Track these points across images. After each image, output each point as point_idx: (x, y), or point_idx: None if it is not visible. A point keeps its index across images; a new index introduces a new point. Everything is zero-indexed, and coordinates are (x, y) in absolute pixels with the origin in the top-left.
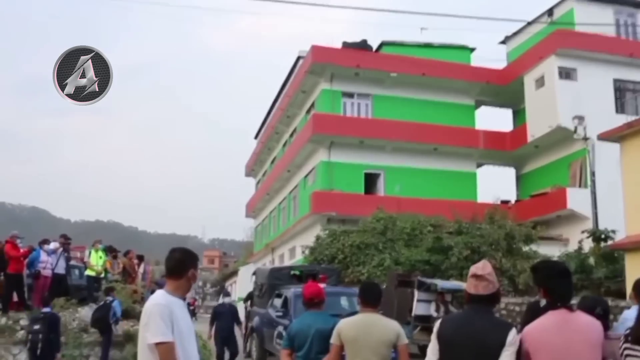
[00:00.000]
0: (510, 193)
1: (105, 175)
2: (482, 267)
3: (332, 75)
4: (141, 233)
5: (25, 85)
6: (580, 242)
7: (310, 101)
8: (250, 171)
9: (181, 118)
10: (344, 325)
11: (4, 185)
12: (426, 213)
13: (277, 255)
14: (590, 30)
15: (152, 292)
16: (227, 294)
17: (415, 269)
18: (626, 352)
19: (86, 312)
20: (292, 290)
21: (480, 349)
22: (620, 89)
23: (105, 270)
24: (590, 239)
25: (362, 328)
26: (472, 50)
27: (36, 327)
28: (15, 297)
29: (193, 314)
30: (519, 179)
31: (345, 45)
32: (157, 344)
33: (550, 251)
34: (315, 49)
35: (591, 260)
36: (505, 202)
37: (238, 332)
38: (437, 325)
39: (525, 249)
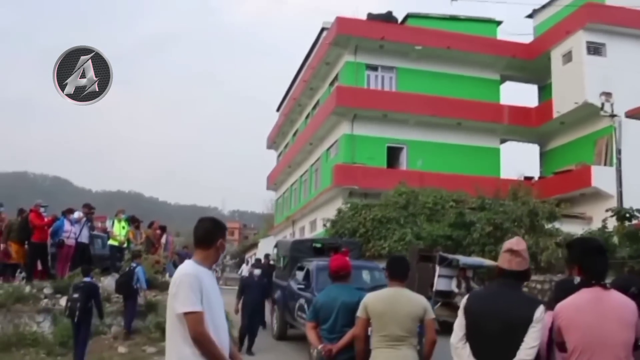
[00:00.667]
0: (533, 170)
1: (128, 146)
2: (517, 242)
3: (356, 47)
4: (161, 204)
5: (49, 54)
6: (604, 220)
7: (333, 73)
8: (272, 143)
9: (203, 90)
10: (371, 299)
11: (27, 154)
12: (448, 188)
13: (297, 227)
14: (620, 4)
15: (173, 263)
16: (258, 266)
17: (436, 244)
18: None
19: (109, 282)
20: (314, 263)
21: (507, 324)
22: None
23: (128, 241)
24: (614, 218)
25: (390, 302)
26: (499, 23)
27: (75, 295)
28: (39, 266)
29: None
30: (543, 155)
31: (370, 17)
32: (186, 314)
33: (573, 229)
34: (340, 21)
35: (615, 239)
36: (528, 179)
37: (268, 307)
38: (464, 300)
39: (548, 226)
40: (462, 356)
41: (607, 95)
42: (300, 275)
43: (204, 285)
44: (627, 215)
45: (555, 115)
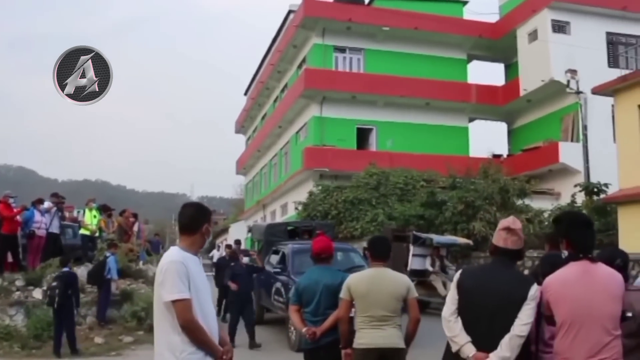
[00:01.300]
0: (501, 147)
1: (94, 133)
2: (513, 221)
3: (323, 29)
4: (129, 192)
5: (10, 42)
6: (573, 195)
7: (301, 56)
8: (240, 128)
9: (168, 75)
10: (354, 280)
11: None
12: (419, 168)
13: (268, 212)
14: None
15: (146, 250)
16: (247, 254)
17: (409, 224)
18: None
19: (82, 272)
20: (289, 246)
21: (501, 302)
22: (613, 43)
23: (100, 229)
24: (582, 193)
25: (373, 282)
26: (465, 3)
27: (54, 284)
28: (9, 258)
29: None
30: (511, 133)
31: None
32: (174, 302)
33: (543, 205)
34: (307, 3)
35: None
36: (497, 157)
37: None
38: (457, 274)
39: (519, 203)
40: (453, 329)
41: (573, 72)
42: (275, 258)
43: (191, 271)
44: (595, 189)
45: (522, 93)
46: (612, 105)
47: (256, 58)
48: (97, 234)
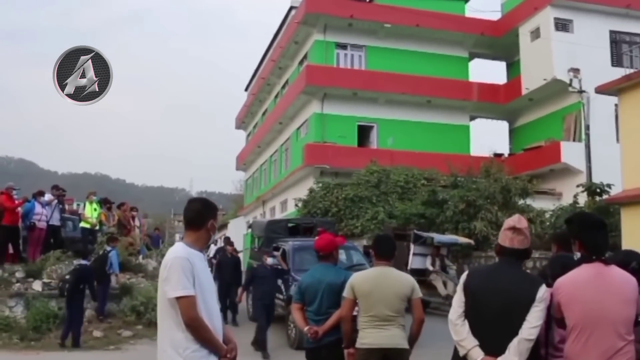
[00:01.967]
0: (503, 146)
1: (93, 126)
2: (519, 220)
3: (325, 25)
4: (129, 185)
5: (9, 34)
6: (575, 196)
7: (302, 52)
8: (241, 124)
9: (168, 69)
10: (358, 279)
11: None
12: (419, 166)
13: (268, 208)
14: None
15: (145, 245)
16: (272, 255)
17: (409, 222)
18: None
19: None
20: (290, 243)
21: (508, 303)
22: (617, 41)
23: (100, 223)
24: (585, 193)
25: (376, 282)
26: (467, 1)
27: (67, 276)
28: (10, 250)
29: None
30: (512, 132)
31: None
32: (178, 298)
33: (544, 205)
34: None
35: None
36: (498, 156)
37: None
38: (463, 276)
39: (520, 202)
40: (460, 333)
41: (575, 71)
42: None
43: (196, 268)
44: (598, 190)
45: (523, 91)
46: (615, 105)
47: (256, 54)
48: (97, 227)
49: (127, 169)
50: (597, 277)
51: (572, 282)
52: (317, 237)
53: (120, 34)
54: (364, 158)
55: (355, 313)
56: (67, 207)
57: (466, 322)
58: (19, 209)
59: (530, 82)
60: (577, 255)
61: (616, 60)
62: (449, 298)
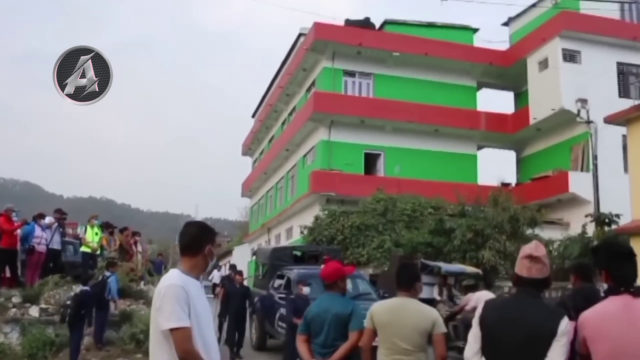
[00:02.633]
0: (510, 176)
1: (100, 151)
2: (536, 247)
3: (333, 53)
4: (134, 211)
5: (19, 58)
6: (584, 226)
7: (310, 79)
8: (247, 150)
9: (175, 96)
10: (377, 308)
11: None
12: (426, 195)
13: (273, 235)
14: (594, 12)
15: (148, 271)
16: (307, 284)
17: (416, 251)
18: None
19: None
20: (295, 271)
21: (528, 337)
22: (624, 73)
23: (101, 247)
24: (593, 223)
25: (394, 312)
26: (475, 31)
27: (68, 302)
28: (7, 273)
29: None
30: (520, 161)
31: (348, 22)
32: (172, 330)
33: (552, 235)
34: (318, 26)
35: (595, 245)
36: (505, 185)
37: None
38: (479, 309)
39: (528, 232)
40: None
41: (583, 101)
42: (280, 283)
43: (192, 296)
44: (607, 220)
45: (531, 121)
46: (623, 135)
47: (263, 81)
48: (98, 252)
49: (132, 194)
50: (626, 310)
51: (599, 315)
52: (323, 265)
53: (129, 59)
54: (370, 186)
55: (375, 344)
56: (70, 231)
57: (483, 358)
58: (18, 231)
59: (538, 112)
60: (604, 286)
61: (623, 92)
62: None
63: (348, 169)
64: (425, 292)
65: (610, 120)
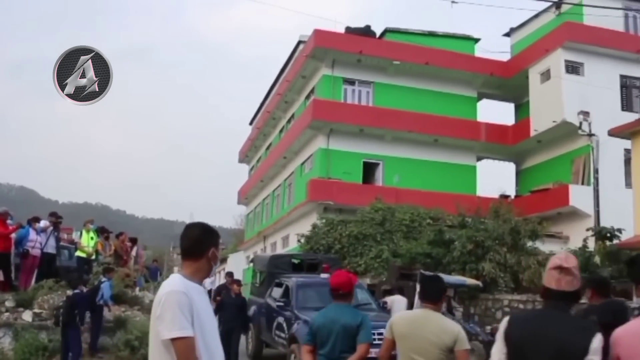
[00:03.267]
0: (509, 188)
1: (95, 157)
2: (566, 258)
3: (333, 60)
4: (129, 217)
5: (14, 66)
6: (585, 239)
7: (310, 87)
8: (244, 157)
9: (171, 102)
10: (397, 319)
11: None
12: (425, 205)
13: (269, 243)
14: (597, 24)
15: (144, 277)
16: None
17: (415, 261)
18: None
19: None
20: (294, 279)
21: (558, 354)
22: (627, 86)
23: (97, 252)
24: (594, 237)
25: (414, 324)
26: (477, 41)
27: (61, 304)
28: (0, 277)
29: None
30: (519, 173)
31: (349, 30)
32: (174, 340)
33: (552, 248)
34: (318, 33)
35: (596, 259)
36: (505, 197)
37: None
38: (504, 323)
39: (529, 245)
40: None
41: (585, 114)
42: (278, 292)
43: (195, 303)
44: (608, 234)
45: (532, 133)
46: (625, 149)
47: (261, 89)
48: (93, 257)
49: (127, 200)
50: None
51: (635, 333)
52: (328, 274)
53: (126, 67)
54: (368, 195)
55: (394, 352)
56: (65, 236)
57: None
58: (13, 234)
59: (539, 123)
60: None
61: (626, 105)
62: None
63: (346, 177)
64: None
65: (614, 133)
